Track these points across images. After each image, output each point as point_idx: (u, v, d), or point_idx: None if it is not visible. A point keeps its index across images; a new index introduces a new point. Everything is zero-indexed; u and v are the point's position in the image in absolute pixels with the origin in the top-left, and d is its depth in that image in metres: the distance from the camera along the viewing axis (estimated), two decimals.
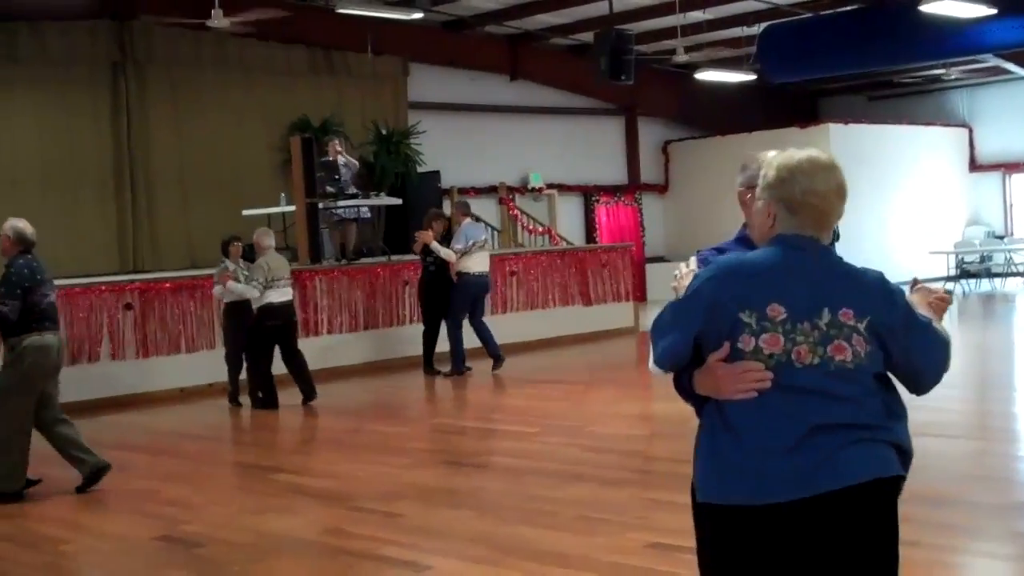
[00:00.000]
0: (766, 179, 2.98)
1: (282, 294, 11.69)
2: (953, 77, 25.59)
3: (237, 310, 11.80)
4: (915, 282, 3.29)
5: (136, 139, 17.10)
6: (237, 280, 11.66)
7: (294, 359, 11.93)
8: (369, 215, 16.11)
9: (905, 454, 2.93)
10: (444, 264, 13.41)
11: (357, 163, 15.87)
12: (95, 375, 12.46)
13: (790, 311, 2.84)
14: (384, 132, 18.53)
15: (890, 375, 3.00)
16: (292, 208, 15.20)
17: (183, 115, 17.53)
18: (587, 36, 19.41)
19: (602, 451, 8.78)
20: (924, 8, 15.10)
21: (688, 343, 2.93)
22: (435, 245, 13.34)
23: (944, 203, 25.25)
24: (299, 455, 9.94)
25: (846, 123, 24.11)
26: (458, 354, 13.44)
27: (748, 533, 2.85)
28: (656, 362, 3.00)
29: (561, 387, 12.66)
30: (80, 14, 16.51)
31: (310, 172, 14.59)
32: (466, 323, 13.57)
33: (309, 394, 11.88)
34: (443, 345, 13.60)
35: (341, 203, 15.22)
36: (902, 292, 2.98)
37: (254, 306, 11.63)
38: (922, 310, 3.09)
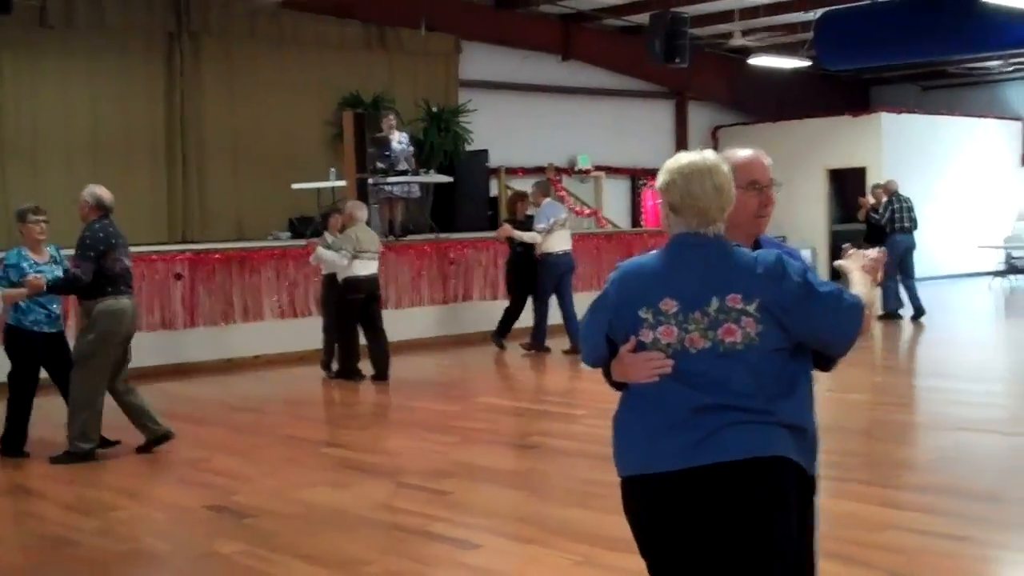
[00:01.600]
0: (657, 184, 3.30)
1: (367, 267, 11.64)
2: (1010, 70, 25.29)
3: (333, 281, 11.81)
4: (847, 248, 3.60)
5: (188, 110, 17.22)
6: (327, 247, 11.66)
7: (376, 335, 11.88)
8: (419, 193, 16.14)
9: (799, 430, 3.20)
10: (531, 245, 13.46)
11: (412, 148, 15.87)
12: (143, 344, 12.51)
13: (681, 303, 3.16)
14: (434, 110, 18.55)
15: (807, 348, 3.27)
16: (342, 183, 15.23)
17: (236, 87, 17.63)
18: (641, 18, 19.32)
19: None
20: None
21: (602, 341, 3.32)
22: (517, 234, 13.40)
23: (994, 197, 24.97)
24: (349, 430, 9.97)
25: (899, 112, 23.88)
26: (541, 331, 13.56)
27: (645, 501, 3.20)
28: (584, 360, 3.47)
29: None
30: None
31: (361, 147, 14.63)
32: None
33: (381, 374, 11.80)
34: (524, 322, 13.88)
35: (391, 179, 15.25)
36: (800, 270, 3.18)
37: (339, 278, 11.62)
38: (856, 275, 3.42)
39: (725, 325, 3.12)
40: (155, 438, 8.45)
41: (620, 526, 6.13)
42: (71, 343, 8.64)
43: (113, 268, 8.10)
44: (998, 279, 21.84)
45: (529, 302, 13.84)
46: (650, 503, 3.18)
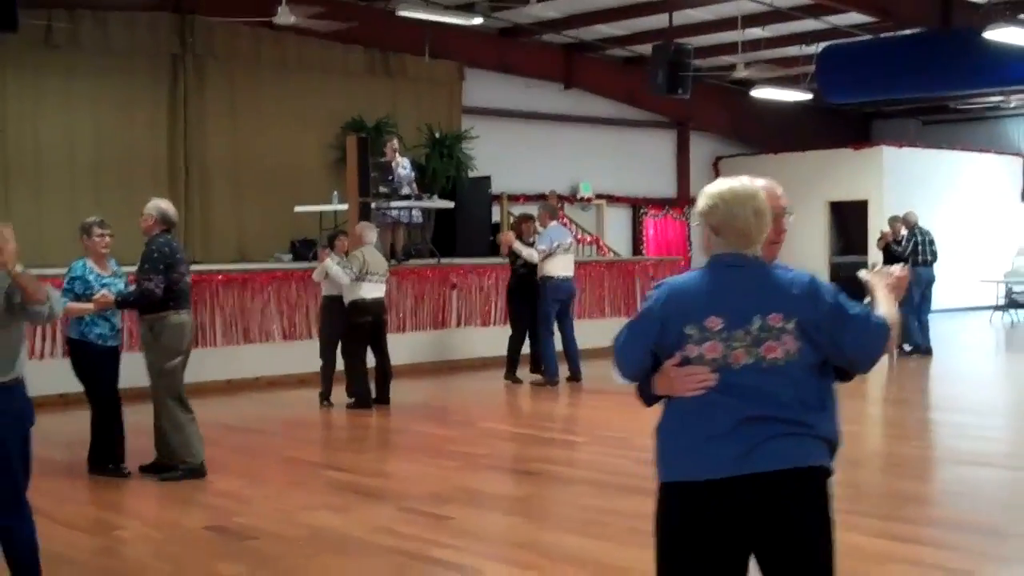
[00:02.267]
0: (698, 208, 3.49)
1: (374, 290, 11.60)
2: (1012, 105, 25.38)
3: (333, 304, 11.70)
4: (872, 266, 3.81)
5: (192, 132, 17.24)
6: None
7: (381, 358, 11.84)
8: (421, 218, 16.15)
9: (831, 444, 3.43)
10: (534, 268, 13.19)
11: (414, 173, 15.88)
12: (143, 364, 12.51)
13: (726, 321, 3.33)
14: (437, 136, 18.59)
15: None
16: (344, 207, 15.24)
17: (239, 110, 17.66)
18: (643, 48, 19.42)
19: (649, 463, 8.74)
20: (988, 35, 14.97)
21: (647, 355, 3.45)
22: (518, 245, 13.20)
23: (995, 231, 25.02)
24: (350, 453, 9.98)
25: (900, 146, 23.95)
26: (550, 360, 13.23)
27: (686, 505, 3.35)
28: (622, 374, 3.56)
29: (609, 397, 12.60)
30: (143, 5, 16.65)
31: (365, 172, 14.61)
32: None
33: (382, 397, 11.78)
34: (525, 349, 13.59)
35: (393, 204, 15.27)
36: (832, 291, 3.38)
37: (345, 301, 11.54)
38: (880, 292, 3.60)
39: (767, 343, 3.32)
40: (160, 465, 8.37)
41: (620, 553, 6.17)
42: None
43: (178, 283, 8.09)
44: (999, 313, 21.86)
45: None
46: (691, 508, 3.34)
